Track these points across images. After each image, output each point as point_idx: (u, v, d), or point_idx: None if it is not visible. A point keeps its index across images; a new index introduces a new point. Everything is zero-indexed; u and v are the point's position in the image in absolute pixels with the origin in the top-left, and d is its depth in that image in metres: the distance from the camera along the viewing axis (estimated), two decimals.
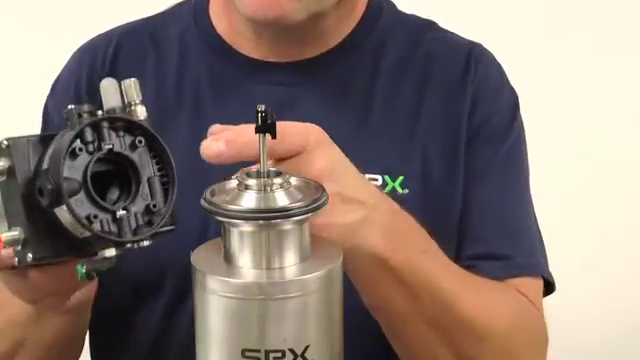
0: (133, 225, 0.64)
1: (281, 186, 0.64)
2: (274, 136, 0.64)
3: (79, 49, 1.03)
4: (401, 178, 0.93)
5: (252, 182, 0.63)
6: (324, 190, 0.65)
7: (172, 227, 0.68)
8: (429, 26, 1.03)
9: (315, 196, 0.64)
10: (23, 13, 1.87)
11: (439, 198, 0.95)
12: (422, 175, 0.94)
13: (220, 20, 0.99)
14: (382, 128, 0.95)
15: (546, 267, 0.97)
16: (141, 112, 0.67)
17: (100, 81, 0.66)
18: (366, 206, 0.73)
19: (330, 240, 0.68)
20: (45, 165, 0.64)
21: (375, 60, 0.98)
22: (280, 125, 0.63)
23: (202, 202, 0.63)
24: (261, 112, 0.63)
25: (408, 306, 0.78)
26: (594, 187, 1.89)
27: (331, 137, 0.92)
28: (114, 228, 0.64)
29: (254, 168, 0.65)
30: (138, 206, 0.65)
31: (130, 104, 0.66)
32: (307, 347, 0.61)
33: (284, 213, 0.62)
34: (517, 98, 1.02)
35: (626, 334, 1.92)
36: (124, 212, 0.64)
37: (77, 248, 0.66)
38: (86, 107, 0.64)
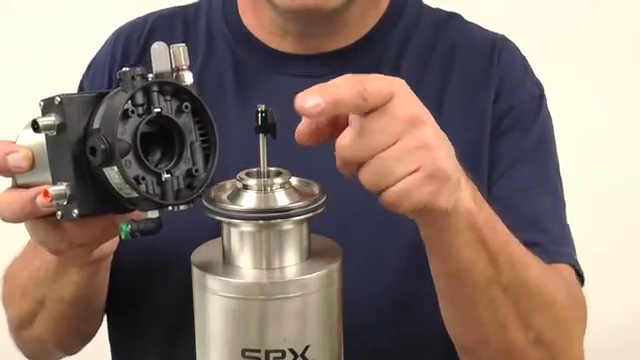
0: (175, 188, 0.65)
1: (281, 186, 0.64)
2: (274, 136, 0.64)
3: (116, 31, 1.07)
4: None
5: (252, 182, 0.64)
6: (324, 190, 0.65)
7: None
8: (453, 18, 1.03)
9: (315, 196, 0.64)
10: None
11: None
12: None
13: (247, 14, 1.01)
14: None
15: (575, 258, 0.96)
16: (188, 77, 0.67)
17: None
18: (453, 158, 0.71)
19: (330, 240, 0.68)
20: (96, 124, 0.65)
21: (398, 53, 0.98)
22: (363, 77, 0.63)
23: (202, 202, 0.64)
24: (261, 112, 0.63)
25: (488, 271, 0.76)
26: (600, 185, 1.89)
27: None
28: (158, 190, 0.65)
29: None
30: (180, 170, 0.66)
31: (178, 69, 0.67)
32: (307, 347, 0.61)
33: (284, 213, 0.62)
34: (542, 90, 1.01)
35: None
36: (168, 175, 0.65)
37: (120, 206, 0.67)
38: (138, 70, 0.65)
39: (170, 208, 0.65)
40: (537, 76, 1.03)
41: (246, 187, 0.64)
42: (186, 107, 0.66)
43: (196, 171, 0.66)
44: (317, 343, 0.62)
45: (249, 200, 0.63)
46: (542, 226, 0.94)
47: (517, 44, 1.03)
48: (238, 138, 0.84)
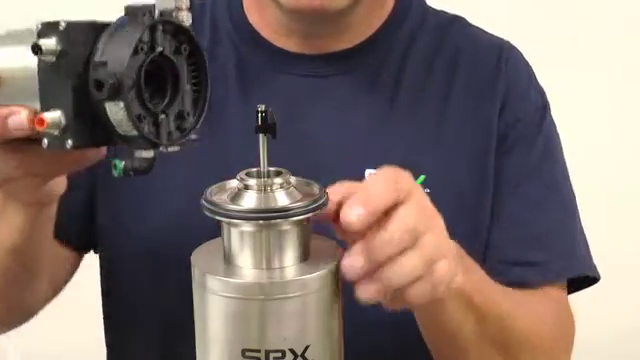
0: (168, 129, 0.64)
1: (281, 186, 0.64)
2: (274, 136, 0.64)
3: (119, 18, 1.05)
4: (422, 177, 0.93)
5: (252, 182, 0.64)
6: (324, 191, 0.65)
7: (196, 137, 0.67)
8: (456, 21, 1.03)
9: (315, 196, 0.64)
10: None
11: (465, 200, 0.94)
12: (446, 176, 0.94)
13: (252, 12, 1.00)
14: (406, 125, 0.95)
15: (586, 262, 0.98)
16: (187, 18, 0.66)
17: None
18: (451, 247, 0.72)
19: (330, 240, 0.68)
20: (101, 57, 0.63)
21: (403, 56, 0.97)
22: (395, 176, 0.64)
23: (202, 202, 0.64)
24: (261, 112, 0.63)
25: (476, 329, 0.79)
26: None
27: (354, 131, 0.91)
28: (153, 130, 0.63)
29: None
30: (173, 111, 0.65)
31: (178, 9, 0.65)
32: (307, 347, 0.61)
33: (284, 213, 0.62)
34: (545, 98, 1.02)
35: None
36: (164, 116, 0.64)
37: (111, 142, 0.65)
38: (147, 6, 0.63)
39: (162, 148, 0.64)
40: (540, 76, 1.03)
41: (246, 187, 0.64)
42: (185, 49, 0.65)
43: (187, 114, 0.65)
44: (317, 343, 0.62)
45: (249, 200, 0.63)
46: (548, 243, 0.96)
47: (518, 45, 1.03)
48: (240, 136, 0.84)
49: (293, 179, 0.65)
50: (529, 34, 1.25)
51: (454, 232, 0.93)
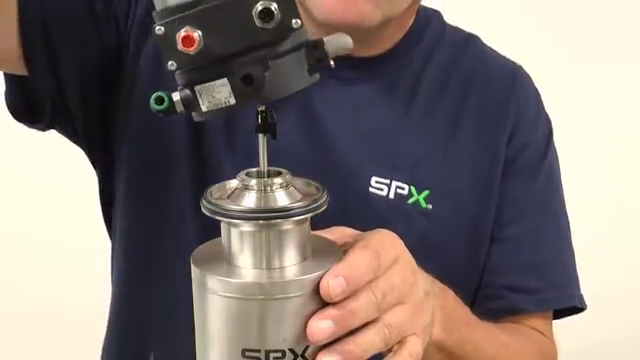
0: None
1: (281, 186, 0.64)
2: (274, 136, 0.64)
3: None
4: (426, 192, 0.93)
5: (252, 182, 0.64)
6: (324, 190, 0.65)
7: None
8: (471, 41, 1.03)
9: (315, 196, 0.64)
10: None
11: (467, 220, 0.95)
12: (451, 193, 0.94)
13: None
14: (417, 139, 0.95)
15: (577, 293, 1.00)
16: None
17: None
18: (430, 295, 0.72)
19: (330, 240, 0.68)
20: (273, 59, 0.58)
21: (421, 69, 0.98)
22: (378, 249, 0.64)
23: (202, 202, 0.64)
24: (261, 112, 0.63)
25: None
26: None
27: (365, 138, 0.92)
28: None
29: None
30: None
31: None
32: (307, 347, 0.61)
33: (284, 213, 0.62)
34: (551, 124, 1.03)
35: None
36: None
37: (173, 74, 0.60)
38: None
39: (193, 114, 0.61)
40: (541, 75, 1.04)
41: (246, 187, 0.64)
42: None
43: None
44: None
45: (249, 200, 0.63)
46: (545, 271, 0.98)
47: (524, 53, 1.04)
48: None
49: (293, 179, 0.65)
50: (534, 43, 1.26)
51: (453, 249, 0.94)
